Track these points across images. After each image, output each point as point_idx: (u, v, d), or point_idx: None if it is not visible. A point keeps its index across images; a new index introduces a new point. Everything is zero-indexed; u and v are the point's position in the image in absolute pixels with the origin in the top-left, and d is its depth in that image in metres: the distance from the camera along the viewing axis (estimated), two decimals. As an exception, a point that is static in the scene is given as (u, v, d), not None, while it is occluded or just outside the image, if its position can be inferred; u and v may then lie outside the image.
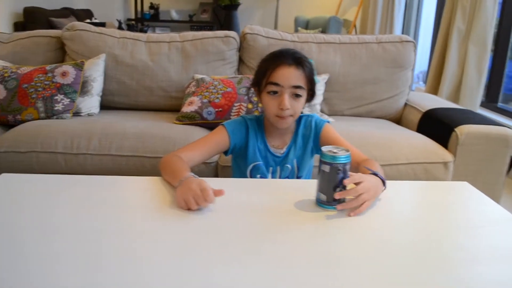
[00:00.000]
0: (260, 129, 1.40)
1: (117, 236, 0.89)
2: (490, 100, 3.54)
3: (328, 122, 1.43)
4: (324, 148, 1.06)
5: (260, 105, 1.37)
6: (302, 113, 1.38)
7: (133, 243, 0.87)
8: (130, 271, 0.77)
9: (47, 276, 0.75)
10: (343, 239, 0.93)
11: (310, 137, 1.40)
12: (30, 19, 4.66)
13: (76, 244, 0.85)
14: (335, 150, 1.05)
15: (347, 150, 1.06)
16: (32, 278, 0.74)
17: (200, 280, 0.76)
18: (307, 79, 1.30)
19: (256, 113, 2.06)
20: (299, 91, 1.28)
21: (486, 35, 3.24)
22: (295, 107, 1.29)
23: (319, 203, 1.07)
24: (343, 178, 1.04)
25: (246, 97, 2.09)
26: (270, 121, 1.35)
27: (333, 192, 1.04)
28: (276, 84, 1.27)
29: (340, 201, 1.05)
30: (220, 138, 1.36)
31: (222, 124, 1.38)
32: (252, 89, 1.41)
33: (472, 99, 3.36)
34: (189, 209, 1.01)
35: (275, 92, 1.28)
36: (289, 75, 1.27)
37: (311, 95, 1.34)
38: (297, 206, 1.07)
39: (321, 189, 1.06)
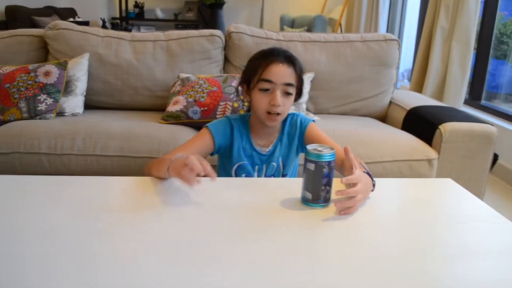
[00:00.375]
0: (245, 128, 1.39)
1: (105, 237, 0.89)
2: (473, 98, 3.57)
3: (313, 121, 1.43)
4: (309, 147, 1.07)
5: (246, 104, 1.37)
6: (287, 111, 1.38)
7: (121, 244, 0.86)
8: (120, 271, 0.77)
9: (36, 277, 0.74)
10: (329, 236, 0.94)
11: (295, 135, 1.40)
12: (12, 18, 4.58)
13: (66, 245, 0.84)
14: (319, 148, 1.06)
15: (332, 148, 1.06)
16: (25, 279, 0.73)
17: (187, 279, 0.75)
18: (298, 77, 1.31)
19: (241, 112, 2.05)
20: (290, 89, 1.29)
21: (469, 34, 3.28)
22: (285, 104, 1.30)
23: (305, 201, 1.07)
24: (328, 176, 1.04)
25: (233, 96, 2.09)
26: (259, 119, 1.34)
27: (318, 190, 1.04)
28: (268, 81, 1.28)
29: (326, 199, 1.05)
30: (204, 140, 1.36)
31: (206, 126, 1.37)
32: (240, 87, 1.41)
33: (456, 96, 3.40)
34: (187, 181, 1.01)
35: (267, 89, 1.29)
36: (281, 72, 1.28)
37: (298, 94, 1.35)
38: (283, 204, 1.07)
39: (306, 188, 1.06)
